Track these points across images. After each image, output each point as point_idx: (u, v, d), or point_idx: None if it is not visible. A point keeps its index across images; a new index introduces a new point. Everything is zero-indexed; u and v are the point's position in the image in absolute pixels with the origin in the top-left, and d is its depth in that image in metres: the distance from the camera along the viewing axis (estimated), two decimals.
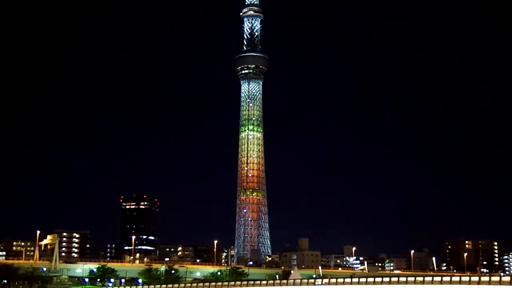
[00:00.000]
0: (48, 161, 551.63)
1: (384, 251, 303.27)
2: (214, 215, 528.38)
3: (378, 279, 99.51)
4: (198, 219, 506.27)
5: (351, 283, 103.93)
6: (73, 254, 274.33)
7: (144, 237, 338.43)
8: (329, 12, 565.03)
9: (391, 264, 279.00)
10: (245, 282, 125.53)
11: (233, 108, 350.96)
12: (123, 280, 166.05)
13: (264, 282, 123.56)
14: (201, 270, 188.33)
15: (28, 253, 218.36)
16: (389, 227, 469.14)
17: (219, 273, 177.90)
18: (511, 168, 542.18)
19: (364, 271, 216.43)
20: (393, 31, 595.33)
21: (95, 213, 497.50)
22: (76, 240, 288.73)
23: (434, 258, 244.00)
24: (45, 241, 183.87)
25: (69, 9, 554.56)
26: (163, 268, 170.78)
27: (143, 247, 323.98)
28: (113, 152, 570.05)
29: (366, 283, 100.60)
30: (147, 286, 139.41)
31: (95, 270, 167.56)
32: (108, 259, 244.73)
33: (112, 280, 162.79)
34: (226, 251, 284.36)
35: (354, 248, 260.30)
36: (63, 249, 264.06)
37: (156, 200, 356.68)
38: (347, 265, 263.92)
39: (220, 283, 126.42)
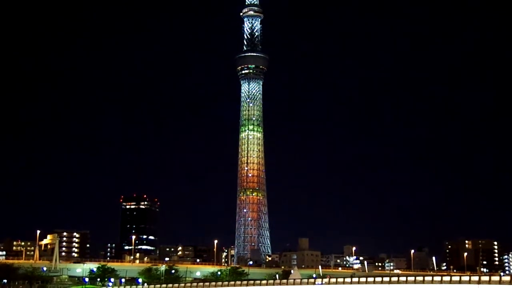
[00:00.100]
0: (48, 161, 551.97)
1: (384, 251, 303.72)
2: (214, 215, 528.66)
3: (378, 279, 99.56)
4: (198, 218, 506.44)
5: (351, 282, 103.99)
6: (73, 254, 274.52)
7: (144, 237, 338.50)
8: (329, 12, 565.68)
9: (391, 264, 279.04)
10: (245, 282, 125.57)
11: (233, 108, 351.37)
12: (123, 280, 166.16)
13: (264, 281, 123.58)
14: (201, 270, 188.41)
15: (28, 252, 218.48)
16: (389, 226, 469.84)
17: (219, 272, 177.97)
18: (511, 168, 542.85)
19: (359, 270, 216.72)
20: (393, 31, 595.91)
21: (95, 213, 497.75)
22: (76, 240, 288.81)
23: (434, 258, 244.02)
24: (45, 241, 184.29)
25: (69, 9, 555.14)
26: (163, 267, 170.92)
27: (143, 247, 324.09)
28: (113, 152, 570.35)
29: (366, 282, 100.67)
30: (147, 286, 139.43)
31: (95, 270, 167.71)
32: (108, 258, 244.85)
33: (112, 279, 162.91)
34: (226, 251, 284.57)
35: (354, 248, 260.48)
36: (63, 248, 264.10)
37: (156, 200, 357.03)
38: (347, 265, 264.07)
39: (220, 283, 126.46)
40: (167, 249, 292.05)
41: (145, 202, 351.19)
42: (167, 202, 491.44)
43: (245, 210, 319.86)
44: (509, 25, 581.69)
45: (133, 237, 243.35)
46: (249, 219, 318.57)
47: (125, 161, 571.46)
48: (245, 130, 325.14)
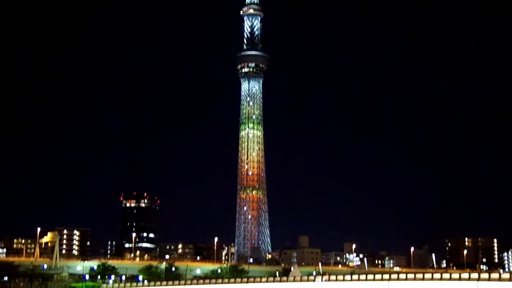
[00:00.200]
0: (48, 160, 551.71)
1: (384, 248, 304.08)
2: (215, 213, 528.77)
3: (378, 276, 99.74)
4: (198, 216, 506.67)
5: (351, 280, 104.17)
6: (74, 251, 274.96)
7: (145, 234, 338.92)
8: (329, 11, 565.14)
9: (391, 261, 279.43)
10: (245, 280, 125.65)
11: (233, 107, 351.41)
12: (123, 278, 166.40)
13: (264, 279, 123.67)
14: (201, 268, 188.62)
15: (28, 250, 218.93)
16: (389, 224, 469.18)
17: (219, 270, 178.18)
18: (511, 168, 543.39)
19: (354, 267, 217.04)
20: (393, 31, 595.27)
21: (95, 211, 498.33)
22: (77, 238, 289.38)
23: (434, 256, 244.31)
24: (45, 239, 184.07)
25: (69, 9, 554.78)
26: (163, 265, 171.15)
27: (144, 245, 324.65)
28: (113, 151, 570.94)
29: (366, 280, 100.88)
30: (147, 283, 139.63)
31: (95, 267, 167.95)
32: (108, 256, 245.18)
33: (112, 277, 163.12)
34: (226, 248, 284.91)
35: (354, 246, 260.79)
36: (64, 246, 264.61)
37: (156, 198, 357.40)
38: (346, 263, 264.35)
39: (220, 280, 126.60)
40: (167, 247, 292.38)
41: (145, 200, 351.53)
42: (167, 200, 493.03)
43: (245, 208, 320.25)
44: (509, 25, 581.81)
45: (133, 235, 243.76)
46: (249, 217, 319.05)
47: (125, 159, 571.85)
48: (245, 129, 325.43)
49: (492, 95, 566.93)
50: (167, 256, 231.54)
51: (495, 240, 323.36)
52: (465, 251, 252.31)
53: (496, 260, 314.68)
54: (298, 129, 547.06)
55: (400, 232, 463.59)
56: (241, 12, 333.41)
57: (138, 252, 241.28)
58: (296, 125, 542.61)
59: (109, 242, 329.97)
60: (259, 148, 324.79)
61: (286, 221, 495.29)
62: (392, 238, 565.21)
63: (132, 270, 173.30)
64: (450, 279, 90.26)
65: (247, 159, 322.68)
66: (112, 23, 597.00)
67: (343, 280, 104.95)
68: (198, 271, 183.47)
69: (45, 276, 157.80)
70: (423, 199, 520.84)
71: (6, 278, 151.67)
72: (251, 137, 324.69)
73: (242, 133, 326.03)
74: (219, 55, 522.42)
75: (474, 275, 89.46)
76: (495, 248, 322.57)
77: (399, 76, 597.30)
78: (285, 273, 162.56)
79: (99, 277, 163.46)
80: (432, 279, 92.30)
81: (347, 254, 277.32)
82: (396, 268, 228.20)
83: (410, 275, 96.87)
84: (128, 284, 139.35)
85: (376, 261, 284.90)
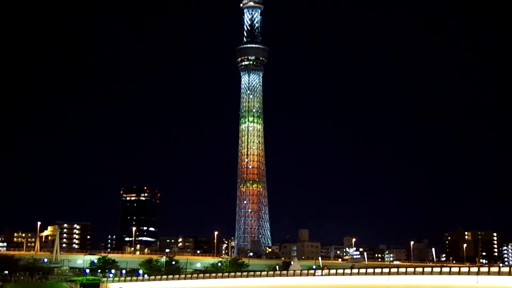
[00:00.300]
0: (48, 154, 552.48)
1: (384, 242, 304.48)
2: (215, 207, 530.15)
3: (378, 270, 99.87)
4: (198, 210, 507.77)
5: (351, 274, 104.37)
6: (74, 245, 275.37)
7: (145, 228, 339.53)
8: (329, 4, 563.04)
9: (391, 255, 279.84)
10: (245, 273, 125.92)
11: (233, 100, 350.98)
12: (123, 271, 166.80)
13: (264, 273, 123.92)
14: (201, 261, 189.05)
15: (29, 244, 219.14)
16: (389, 218, 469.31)
17: (219, 264, 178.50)
18: (511, 162, 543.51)
19: (348, 261, 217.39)
20: (394, 27, 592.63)
21: (95, 204, 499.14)
22: (77, 232, 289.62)
23: (433, 249, 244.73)
24: (45, 232, 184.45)
25: (69, 9, 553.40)
26: (163, 259, 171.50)
27: (144, 239, 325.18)
28: (113, 145, 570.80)
29: (366, 274, 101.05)
30: (148, 277, 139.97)
31: (96, 261, 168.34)
32: (109, 250, 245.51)
33: (112, 271, 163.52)
34: (226, 242, 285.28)
35: (354, 239, 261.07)
36: (64, 240, 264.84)
37: (156, 191, 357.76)
38: (346, 256, 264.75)
39: (220, 274, 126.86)
40: (168, 240, 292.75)
41: (146, 194, 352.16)
42: (168, 194, 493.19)
43: (245, 202, 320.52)
44: (508, 25, 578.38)
45: (134, 228, 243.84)
46: (249, 210, 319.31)
47: (125, 153, 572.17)
48: (245, 122, 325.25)
49: (492, 93, 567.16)
50: (167, 250, 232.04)
51: (494, 234, 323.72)
52: (465, 245, 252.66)
53: (496, 254, 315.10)
54: (298, 123, 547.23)
55: (400, 225, 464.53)
56: (241, 5, 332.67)
57: (138, 246, 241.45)
58: (296, 118, 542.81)
59: (109, 236, 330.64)
60: (259, 142, 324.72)
61: (286, 214, 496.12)
62: (392, 232, 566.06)
63: (133, 263, 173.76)
64: (450, 273, 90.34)
65: (247, 152, 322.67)
66: (112, 22, 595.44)
67: (343, 274, 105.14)
68: (198, 265, 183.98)
69: (46, 270, 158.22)
70: (423, 193, 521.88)
71: (6, 272, 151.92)
72: (251, 130, 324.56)
73: (242, 126, 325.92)
74: (219, 47, 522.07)
75: (474, 269, 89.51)
76: (495, 242, 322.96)
77: (399, 73, 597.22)
78: (285, 266, 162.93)
79: (99, 270, 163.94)
80: (431, 272, 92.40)
81: (347, 248, 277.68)
82: (396, 262, 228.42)
83: (410, 269, 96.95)
84: (128, 278, 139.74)
85: (376, 254, 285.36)
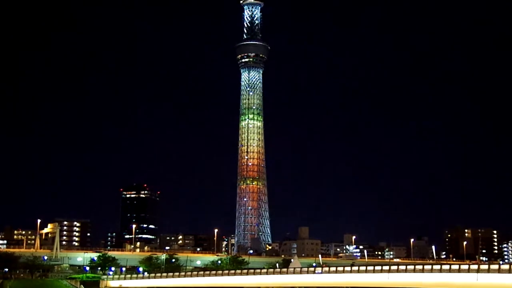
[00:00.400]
0: (49, 152, 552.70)
1: (384, 239, 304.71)
2: (214, 204, 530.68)
3: (378, 268, 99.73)
4: (198, 208, 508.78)
5: (351, 271, 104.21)
6: (74, 243, 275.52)
7: (145, 225, 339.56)
8: (330, 1, 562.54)
9: (391, 253, 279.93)
10: (245, 271, 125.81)
11: (233, 97, 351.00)
12: (123, 269, 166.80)
13: (264, 270, 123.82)
14: (201, 259, 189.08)
15: (29, 241, 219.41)
16: (389, 216, 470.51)
17: (219, 261, 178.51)
18: (511, 159, 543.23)
19: (343, 258, 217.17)
20: (396, 24, 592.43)
21: (95, 202, 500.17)
22: (77, 229, 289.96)
23: (433, 247, 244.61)
24: (46, 230, 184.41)
25: (69, 9, 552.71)
26: (163, 256, 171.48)
27: (144, 236, 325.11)
28: (113, 142, 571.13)
29: (366, 271, 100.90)
30: (148, 275, 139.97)
31: (96, 258, 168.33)
32: (108, 247, 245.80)
33: (112, 268, 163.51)
34: (226, 239, 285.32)
35: (354, 237, 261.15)
36: (64, 237, 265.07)
37: (156, 188, 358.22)
38: (346, 253, 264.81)
39: (220, 272, 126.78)
40: (168, 238, 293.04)
41: (146, 191, 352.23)
42: (168, 191, 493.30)
43: (245, 199, 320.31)
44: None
45: (134, 226, 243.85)
46: (249, 208, 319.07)
47: (125, 150, 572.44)
48: (245, 119, 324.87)
49: (492, 91, 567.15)
50: (167, 247, 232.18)
51: (494, 231, 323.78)
52: (465, 242, 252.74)
53: (496, 251, 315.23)
54: (298, 120, 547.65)
55: (400, 223, 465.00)
56: (241, 2, 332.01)
57: (138, 243, 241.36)
58: (296, 116, 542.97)
59: (109, 233, 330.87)
60: (259, 139, 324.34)
61: (286, 212, 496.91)
62: (392, 230, 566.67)
63: (133, 261, 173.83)
64: (450, 270, 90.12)
65: (247, 149, 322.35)
66: (110, 21, 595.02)
67: (343, 271, 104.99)
68: (198, 262, 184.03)
69: (46, 267, 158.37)
70: (423, 190, 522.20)
71: (6, 269, 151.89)
72: (251, 127, 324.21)
73: (242, 123, 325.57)
74: (219, 44, 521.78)
75: (474, 266, 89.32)
76: (495, 239, 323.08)
77: (401, 70, 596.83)
78: (285, 264, 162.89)
79: (99, 268, 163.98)
80: (431, 270, 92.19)
81: (347, 245, 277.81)
82: (396, 260, 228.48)
83: (410, 267, 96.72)
84: (128, 276, 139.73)
85: (376, 252, 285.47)
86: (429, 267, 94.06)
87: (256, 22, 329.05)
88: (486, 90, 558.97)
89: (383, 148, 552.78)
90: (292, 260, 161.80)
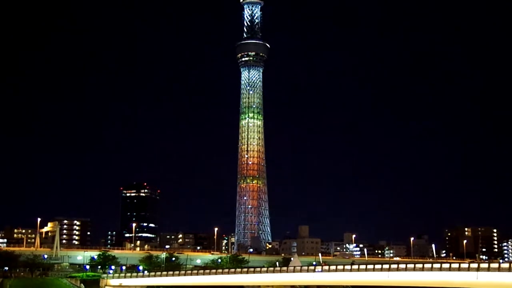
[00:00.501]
0: (49, 150, 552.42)
1: (384, 238, 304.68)
2: (214, 203, 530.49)
3: (378, 267, 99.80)
4: (198, 206, 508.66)
5: (351, 270, 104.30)
6: (74, 241, 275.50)
7: (145, 224, 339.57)
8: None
9: (391, 251, 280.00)
10: (245, 269, 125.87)
11: (233, 96, 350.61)
12: (123, 267, 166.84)
13: (265, 269, 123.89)
14: (201, 257, 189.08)
15: (29, 240, 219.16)
16: (389, 214, 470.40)
17: (219, 260, 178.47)
18: (511, 157, 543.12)
19: (337, 257, 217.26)
20: (396, 21, 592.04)
21: (95, 201, 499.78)
22: (77, 228, 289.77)
23: (433, 245, 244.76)
24: (46, 229, 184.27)
25: (69, 9, 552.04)
26: (163, 255, 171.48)
27: (144, 235, 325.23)
28: (113, 141, 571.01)
29: (366, 270, 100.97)
30: (148, 273, 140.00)
31: (96, 257, 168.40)
32: (109, 246, 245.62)
33: (113, 267, 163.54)
34: (226, 238, 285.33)
35: (354, 236, 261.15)
36: (64, 236, 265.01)
37: (156, 187, 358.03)
38: (346, 252, 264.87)
39: (220, 270, 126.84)
40: (168, 236, 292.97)
41: (146, 190, 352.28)
42: (168, 190, 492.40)
43: (245, 198, 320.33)
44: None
45: (134, 224, 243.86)
46: (249, 206, 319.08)
47: (125, 149, 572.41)
48: (245, 118, 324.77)
49: (491, 90, 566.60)
50: (167, 246, 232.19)
51: (494, 230, 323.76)
52: (465, 241, 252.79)
53: (496, 250, 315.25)
54: (298, 119, 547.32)
55: (400, 222, 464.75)
56: (241, 0, 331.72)
57: (138, 242, 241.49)
58: (296, 115, 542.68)
59: (110, 232, 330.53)
60: (259, 138, 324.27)
61: (286, 210, 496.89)
62: (392, 229, 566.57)
63: (133, 259, 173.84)
64: (450, 269, 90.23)
65: (247, 148, 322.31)
66: (109, 20, 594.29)
67: (343, 270, 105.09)
68: (198, 261, 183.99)
69: (46, 266, 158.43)
70: (423, 189, 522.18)
71: (6, 268, 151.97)
72: (251, 126, 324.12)
73: (242, 122, 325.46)
74: (219, 43, 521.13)
75: (474, 265, 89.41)
76: (495, 238, 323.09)
77: (401, 70, 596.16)
78: (285, 262, 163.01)
79: (99, 266, 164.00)
80: (431, 269, 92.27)
81: (347, 244, 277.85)
82: (396, 258, 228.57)
83: (410, 265, 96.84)
84: (128, 274, 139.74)
85: (376, 251, 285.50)
86: (429, 265, 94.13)
87: (256, 21, 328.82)
88: (486, 90, 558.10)
89: (383, 148, 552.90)
90: (292, 258, 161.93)
